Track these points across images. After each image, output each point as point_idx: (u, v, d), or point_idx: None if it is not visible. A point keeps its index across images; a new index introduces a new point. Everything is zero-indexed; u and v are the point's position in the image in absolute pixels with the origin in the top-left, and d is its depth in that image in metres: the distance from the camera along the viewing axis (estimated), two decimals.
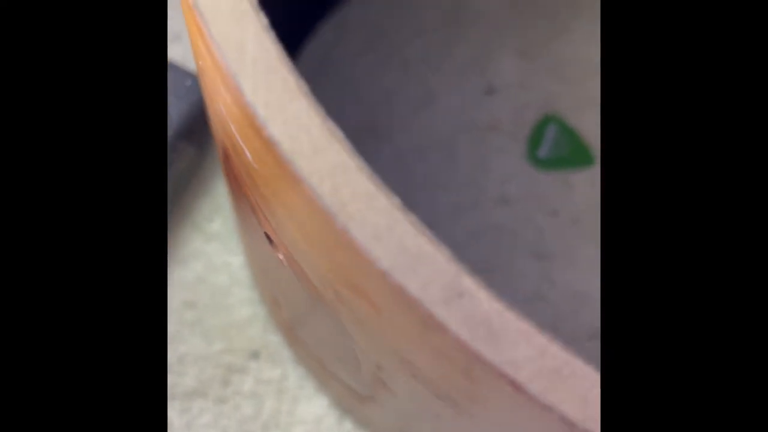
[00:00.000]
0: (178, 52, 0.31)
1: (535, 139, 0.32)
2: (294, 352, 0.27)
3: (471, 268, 0.30)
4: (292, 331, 0.24)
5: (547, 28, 0.33)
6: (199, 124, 0.26)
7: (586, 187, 0.31)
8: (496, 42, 0.33)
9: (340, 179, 0.09)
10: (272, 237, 0.14)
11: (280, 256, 0.15)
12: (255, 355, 0.27)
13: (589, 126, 0.32)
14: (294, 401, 0.27)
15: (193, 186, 0.29)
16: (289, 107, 0.10)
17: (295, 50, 0.31)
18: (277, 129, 0.09)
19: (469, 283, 0.09)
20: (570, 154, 0.32)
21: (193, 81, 0.26)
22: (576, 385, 0.09)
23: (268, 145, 0.10)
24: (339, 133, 0.10)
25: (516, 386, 0.09)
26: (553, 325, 0.30)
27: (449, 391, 0.11)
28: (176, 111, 0.25)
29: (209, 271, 0.28)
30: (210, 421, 0.26)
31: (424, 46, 0.32)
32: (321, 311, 0.15)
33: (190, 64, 0.28)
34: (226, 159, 0.15)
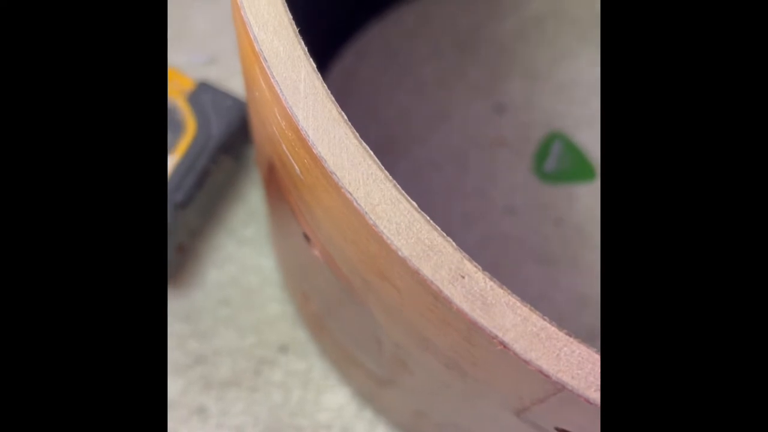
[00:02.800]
0: (214, 73, 0.34)
1: (542, 154, 0.35)
2: (319, 345, 0.30)
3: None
4: (319, 322, 0.26)
5: (552, 52, 0.36)
6: (236, 139, 0.29)
7: (588, 197, 0.34)
8: (505, 64, 0.36)
9: (371, 187, 0.12)
10: (310, 236, 0.17)
11: (316, 252, 0.17)
12: (284, 348, 0.30)
13: (592, 143, 0.34)
14: (319, 391, 0.30)
15: (230, 195, 0.32)
16: (332, 132, 0.12)
17: (322, 73, 0.34)
18: (323, 148, 0.12)
19: (469, 267, 0.12)
20: (574, 169, 0.35)
21: (233, 102, 0.29)
22: (550, 345, 0.12)
23: (317, 160, 0.12)
24: (371, 152, 0.12)
25: (504, 345, 0.11)
26: (558, 323, 0.32)
27: (455, 357, 0.14)
28: (217, 128, 0.28)
29: (243, 273, 0.31)
30: (243, 408, 0.29)
31: (438, 68, 0.35)
32: (348, 299, 0.18)
33: (226, 84, 0.31)
34: (271, 172, 0.18)
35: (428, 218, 0.12)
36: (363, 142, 0.12)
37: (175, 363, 0.30)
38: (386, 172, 0.12)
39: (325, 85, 0.13)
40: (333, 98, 0.13)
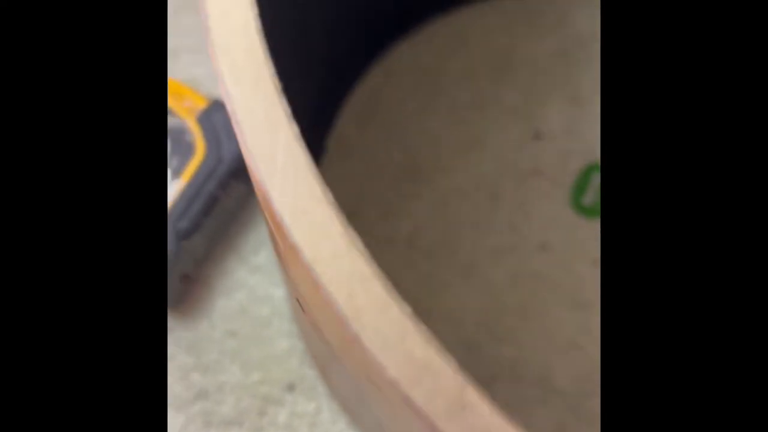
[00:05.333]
0: None
1: (580, 186, 0.32)
2: (328, 386, 0.28)
3: (507, 313, 0.30)
4: (325, 369, 0.24)
5: (595, 76, 0.33)
6: None
7: None
8: (544, 88, 0.33)
9: (356, 287, 0.10)
10: (303, 307, 0.15)
11: (308, 324, 0.15)
12: (291, 387, 0.28)
13: None
14: None
15: (241, 220, 0.30)
16: (313, 214, 0.10)
17: (345, 92, 0.32)
18: (300, 236, 0.10)
19: (472, 395, 0.09)
20: None
21: None
22: None
23: (293, 249, 0.10)
24: (359, 241, 0.10)
25: None
26: (588, 375, 0.30)
27: None
28: (228, 151, 0.27)
29: (252, 302, 0.29)
30: None
31: (471, 89, 0.33)
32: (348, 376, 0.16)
33: None
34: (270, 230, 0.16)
35: (424, 328, 0.10)
36: (350, 227, 0.10)
37: (176, 397, 0.28)
38: (375, 266, 0.10)
39: (308, 155, 0.10)
40: (317, 172, 0.10)
